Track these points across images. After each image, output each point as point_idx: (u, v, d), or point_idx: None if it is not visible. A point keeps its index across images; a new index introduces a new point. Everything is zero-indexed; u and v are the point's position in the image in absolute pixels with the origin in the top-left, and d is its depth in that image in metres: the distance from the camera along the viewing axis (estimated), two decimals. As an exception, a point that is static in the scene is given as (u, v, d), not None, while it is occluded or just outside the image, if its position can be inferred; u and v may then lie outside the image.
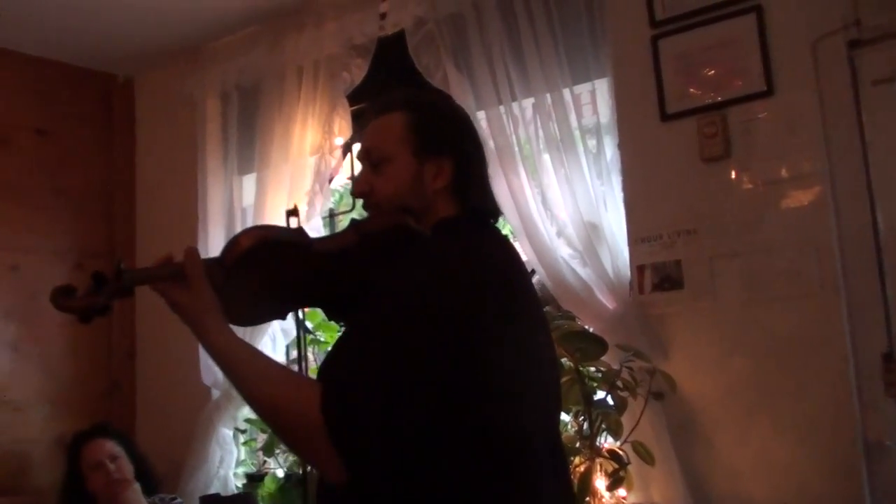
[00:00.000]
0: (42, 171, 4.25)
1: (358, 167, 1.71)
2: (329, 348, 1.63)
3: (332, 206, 3.97)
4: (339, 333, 1.66)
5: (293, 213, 1.83)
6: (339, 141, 3.70)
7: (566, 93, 3.12)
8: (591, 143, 3.12)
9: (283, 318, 1.66)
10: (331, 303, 1.65)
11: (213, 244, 3.96)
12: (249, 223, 3.90)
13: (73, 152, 4.37)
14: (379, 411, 1.34)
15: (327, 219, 3.94)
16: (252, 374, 1.44)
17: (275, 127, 3.86)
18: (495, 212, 1.72)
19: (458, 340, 1.38)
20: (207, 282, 1.48)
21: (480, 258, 1.50)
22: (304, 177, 3.73)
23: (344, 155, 3.79)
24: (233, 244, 1.51)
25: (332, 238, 1.61)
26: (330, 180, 3.75)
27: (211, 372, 3.85)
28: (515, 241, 3.06)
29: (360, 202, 1.69)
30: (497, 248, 1.59)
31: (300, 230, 1.62)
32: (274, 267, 1.54)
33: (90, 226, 4.39)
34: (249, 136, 4.01)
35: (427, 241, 1.57)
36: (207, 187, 4.06)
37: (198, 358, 3.82)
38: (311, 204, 3.68)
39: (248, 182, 4.08)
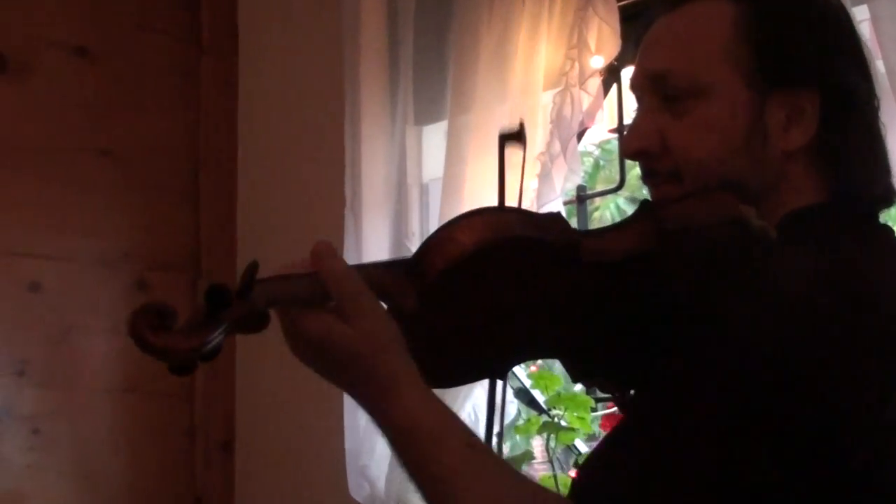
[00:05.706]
0: (81, 121, 4.31)
1: (631, 103, 1.55)
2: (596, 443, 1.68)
3: (582, 180, 3.90)
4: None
5: (515, 136, 1.77)
6: (598, 62, 3.63)
7: None
8: None
9: (502, 376, 1.77)
10: (592, 352, 1.69)
11: (372, 244, 3.92)
12: (435, 207, 3.95)
13: (133, 87, 4.46)
14: None
15: (573, 205, 3.92)
16: (482, 485, 1.46)
17: (481, 41, 3.84)
18: (889, 197, 1.72)
19: (848, 451, 1.39)
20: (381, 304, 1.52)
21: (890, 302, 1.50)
22: (535, 128, 3.67)
23: (608, 88, 3.71)
24: (441, 242, 1.56)
25: (610, 233, 1.66)
26: (581, 134, 3.68)
27: (364, 480, 3.83)
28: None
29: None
30: None
31: (556, 217, 1.67)
32: (510, 284, 1.60)
33: (160, 217, 4.50)
34: (436, 58, 4.03)
35: (782, 255, 1.56)
36: (361, 147, 4.08)
37: (343, 454, 3.82)
38: (544, 176, 3.62)
39: (433, 137, 4.13)
